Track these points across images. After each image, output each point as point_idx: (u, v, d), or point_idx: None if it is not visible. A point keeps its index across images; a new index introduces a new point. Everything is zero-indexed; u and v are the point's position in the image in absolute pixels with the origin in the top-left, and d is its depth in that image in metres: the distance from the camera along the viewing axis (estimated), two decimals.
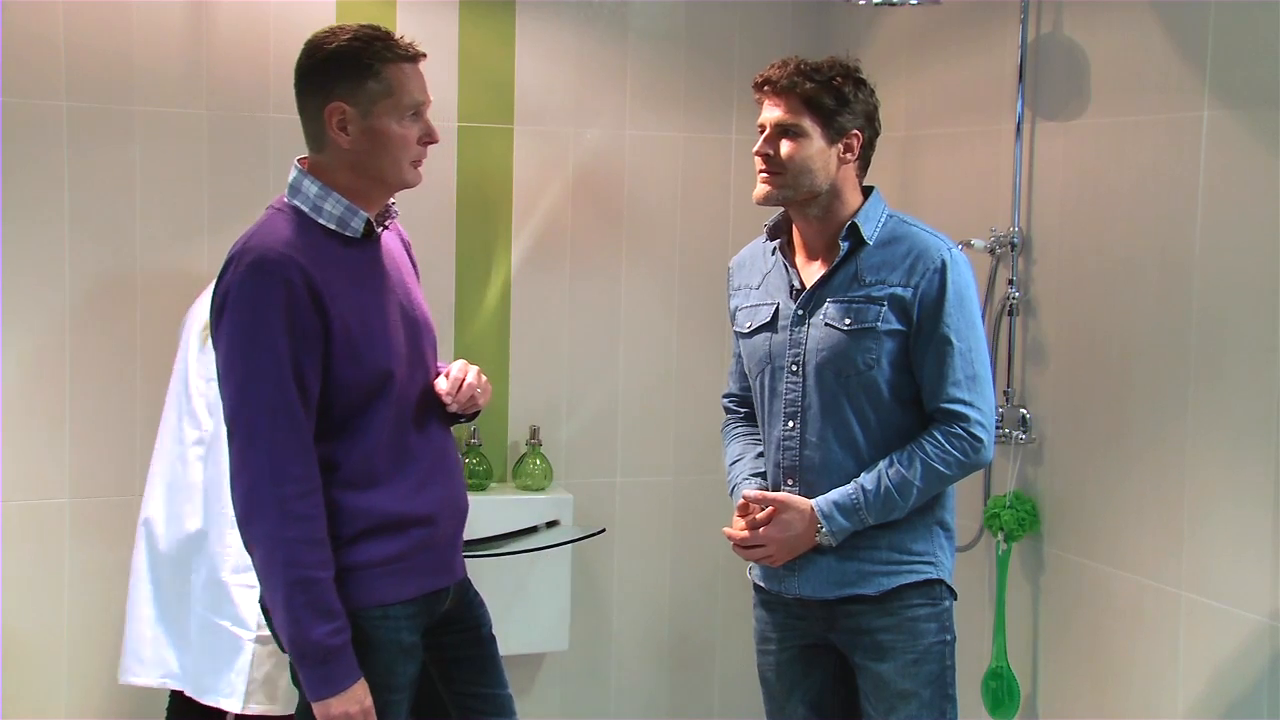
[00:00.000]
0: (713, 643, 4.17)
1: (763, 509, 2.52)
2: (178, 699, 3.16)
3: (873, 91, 2.55)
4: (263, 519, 2.17)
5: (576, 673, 4.02)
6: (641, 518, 4.05)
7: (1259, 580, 2.70)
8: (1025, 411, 3.29)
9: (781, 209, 2.59)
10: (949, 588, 2.56)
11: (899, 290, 2.46)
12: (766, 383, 2.60)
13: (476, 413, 2.48)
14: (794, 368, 2.55)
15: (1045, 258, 3.25)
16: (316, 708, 2.20)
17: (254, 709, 3.00)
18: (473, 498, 2.60)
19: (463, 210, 3.80)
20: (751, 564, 2.63)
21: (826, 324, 2.50)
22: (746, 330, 2.64)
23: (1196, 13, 2.82)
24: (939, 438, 2.46)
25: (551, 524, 3.69)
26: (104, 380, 3.46)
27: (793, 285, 2.57)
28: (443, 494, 2.39)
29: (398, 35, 2.31)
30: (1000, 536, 3.29)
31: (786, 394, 2.56)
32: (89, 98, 3.40)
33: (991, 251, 3.31)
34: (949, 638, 2.54)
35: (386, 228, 2.40)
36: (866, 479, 2.47)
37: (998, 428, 3.29)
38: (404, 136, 2.27)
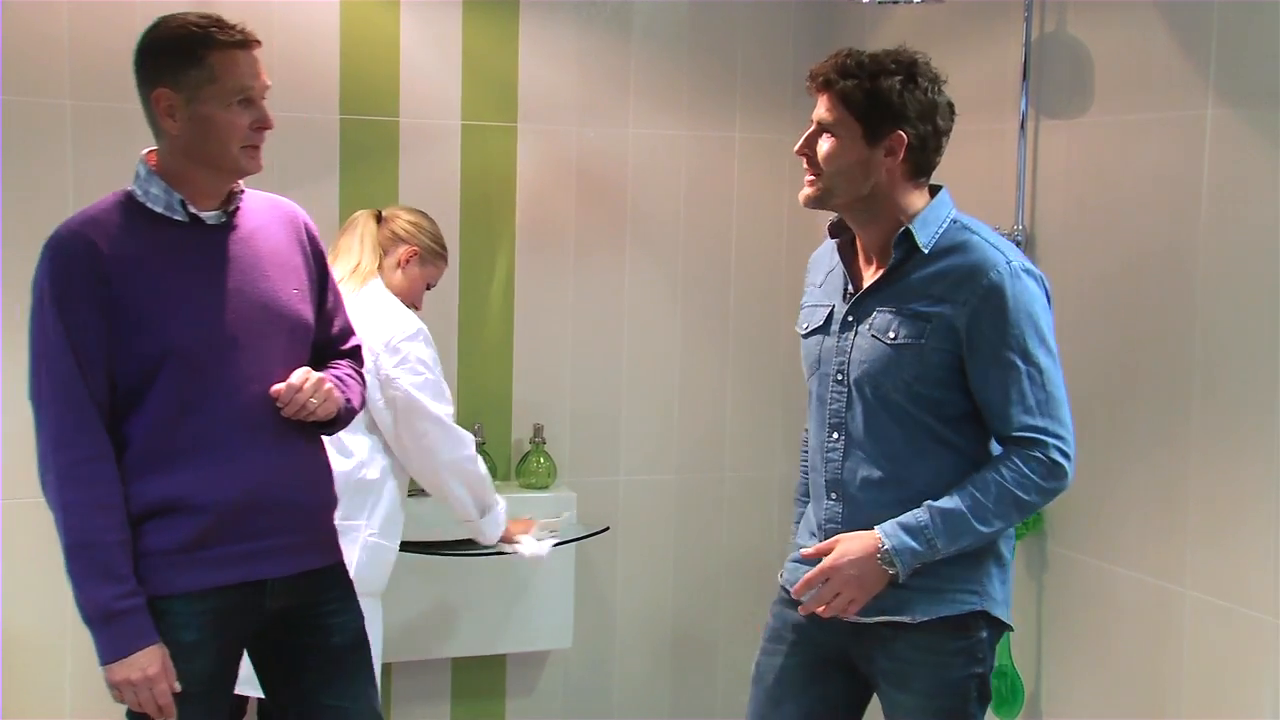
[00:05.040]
0: (715, 641, 4.18)
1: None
2: None
3: (933, 87, 2.32)
4: (48, 485, 2.26)
5: (580, 671, 4.03)
6: (645, 516, 4.06)
7: (1264, 578, 2.70)
8: None
9: None
10: (995, 620, 2.39)
11: (948, 308, 2.27)
12: (815, 389, 2.47)
13: (334, 421, 2.43)
14: (839, 376, 2.39)
15: (1049, 256, 3.25)
16: (104, 672, 2.25)
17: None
18: None
19: (466, 208, 3.80)
20: (783, 568, 2.53)
21: (873, 334, 2.34)
22: (804, 331, 2.50)
23: (1200, 11, 2.82)
24: (1016, 462, 2.27)
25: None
26: None
27: (847, 288, 2.42)
28: (255, 482, 2.33)
29: (236, 22, 2.31)
30: None
31: (831, 403, 2.41)
32: (92, 96, 3.41)
33: None
34: (979, 670, 2.38)
35: (230, 214, 2.37)
36: (935, 501, 2.28)
37: None
38: (230, 123, 2.28)
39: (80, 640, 3.48)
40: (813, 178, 2.34)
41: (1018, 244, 3.27)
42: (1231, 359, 2.78)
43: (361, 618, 2.51)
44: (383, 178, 3.72)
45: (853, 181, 2.31)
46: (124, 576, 2.23)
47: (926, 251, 2.32)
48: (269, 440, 2.34)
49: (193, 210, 2.31)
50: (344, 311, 2.56)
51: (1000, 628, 2.41)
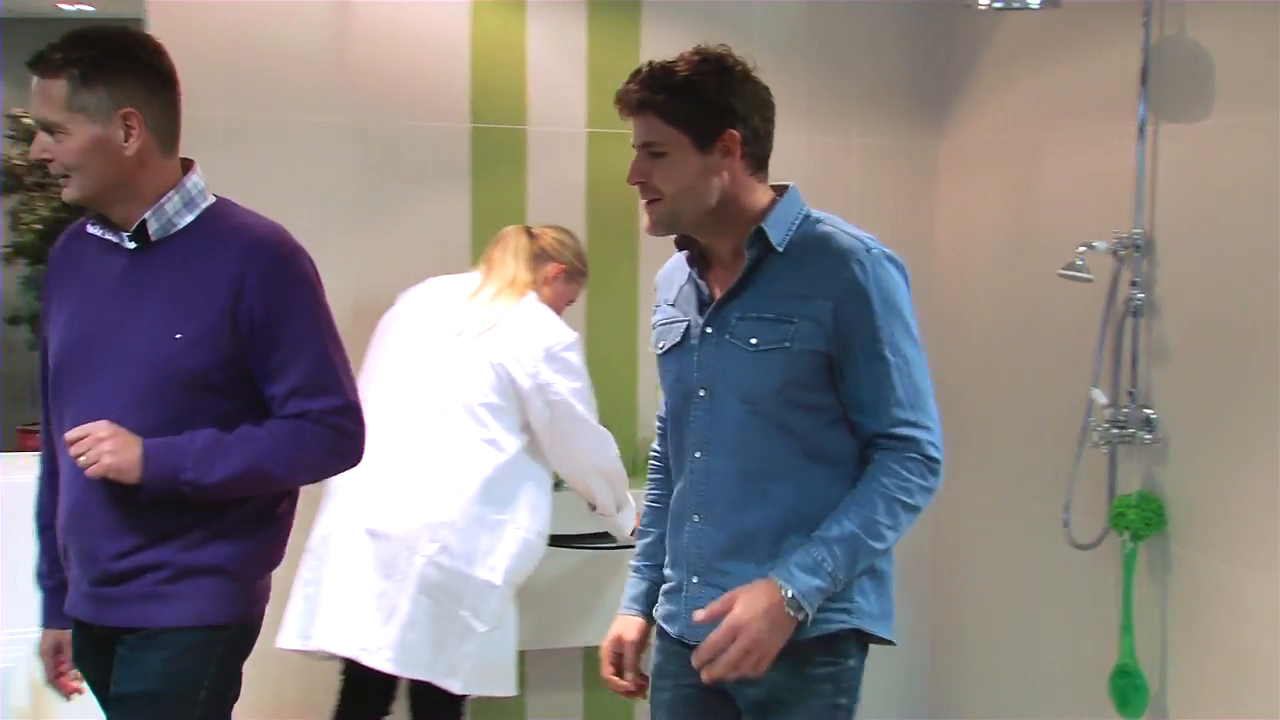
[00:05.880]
0: None
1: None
2: (356, 670, 3.24)
3: (747, 76, 2.19)
4: None
5: None
6: None
7: None
8: (1150, 412, 3.30)
9: None
10: (870, 639, 2.23)
11: (814, 303, 2.13)
12: (675, 407, 2.30)
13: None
14: (703, 391, 2.23)
15: (1168, 259, 3.26)
16: None
17: (476, 691, 3.20)
18: None
19: (592, 214, 3.88)
20: (660, 604, 2.35)
21: (735, 343, 2.19)
22: (660, 350, 2.33)
23: None
24: (894, 467, 2.12)
25: None
26: None
27: (702, 299, 2.26)
28: (66, 516, 2.33)
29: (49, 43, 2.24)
30: (1126, 535, 3.31)
31: (695, 420, 2.24)
32: (240, 108, 3.55)
33: (1114, 253, 3.32)
34: (844, 701, 2.21)
35: (142, 239, 2.28)
36: (824, 530, 2.11)
37: (1122, 427, 3.31)
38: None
39: None
40: (655, 202, 2.19)
41: (1136, 248, 3.30)
42: None
43: (144, 680, 2.28)
44: (511, 185, 3.80)
45: (697, 195, 2.17)
46: (41, 559, 2.48)
47: (781, 250, 2.19)
48: (84, 478, 2.22)
49: (95, 231, 2.33)
50: (302, 373, 2.27)
51: (878, 643, 2.25)
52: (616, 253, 3.91)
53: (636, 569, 2.45)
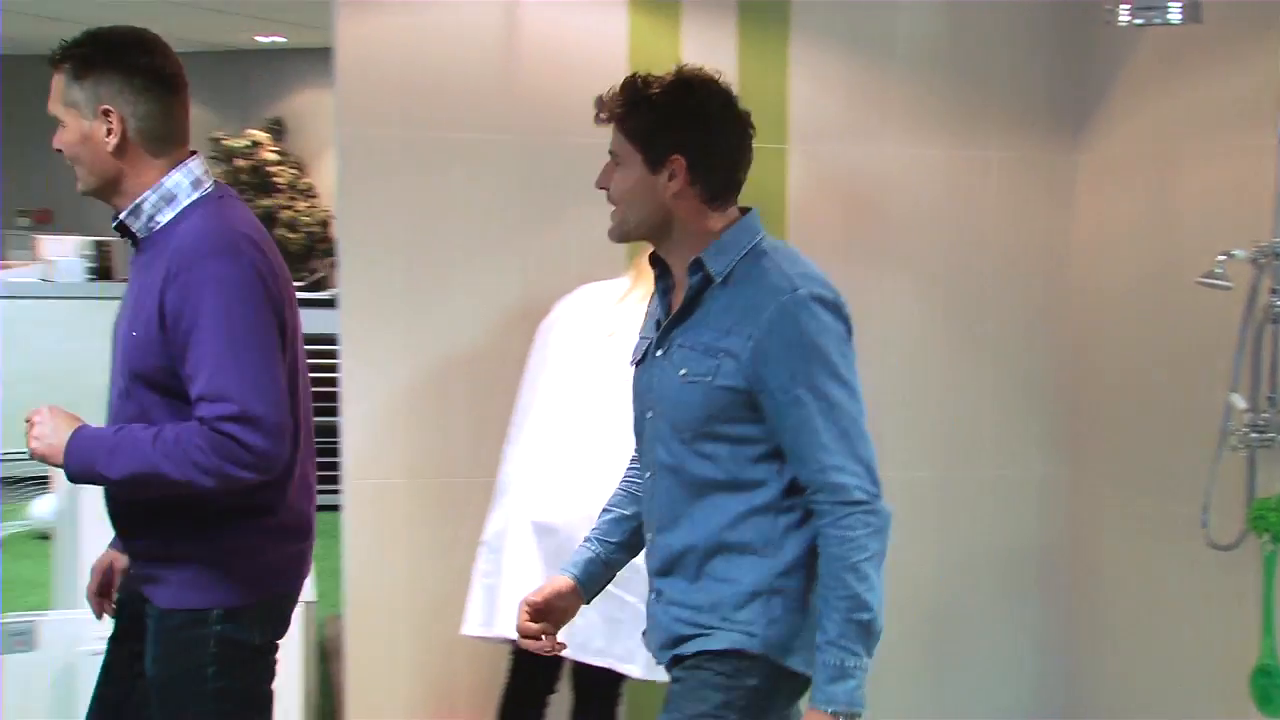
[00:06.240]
0: (972, 635, 4.28)
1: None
2: (524, 652, 3.46)
3: (712, 105, 2.19)
4: None
5: None
6: (905, 511, 4.16)
7: None
8: None
9: None
10: (779, 670, 2.20)
11: (735, 341, 2.12)
12: (638, 423, 2.33)
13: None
14: (649, 413, 2.26)
15: None
16: None
17: (652, 677, 3.30)
18: None
19: None
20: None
21: (670, 369, 2.20)
22: (632, 363, 2.37)
23: None
24: (836, 534, 2.10)
25: None
26: (433, 376, 3.86)
27: (660, 319, 2.29)
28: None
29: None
30: (1266, 537, 3.34)
31: (646, 439, 2.28)
32: (416, 126, 3.76)
33: (1254, 261, 3.35)
34: (734, 717, 2.18)
35: (135, 238, 2.38)
36: (822, 636, 2.11)
37: (1262, 431, 3.35)
38: None
39: (419, 603, 3.85)
40: (614, 209, 2.25)
41: (1276, 256, 3.32)
42: None
43: (153, 666, 2.45)
44: None
45: (642, 210, 2.20)
46: None
47: (718, 280, 2.17)
48: None
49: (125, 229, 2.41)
50: (205, 377, 2.24)
51: (789, 678, 2.21)
52: None
53: (588, 539, 2.49)
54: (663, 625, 2.28)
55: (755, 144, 4.04)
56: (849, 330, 2.19)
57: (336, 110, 3.76)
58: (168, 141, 2.36)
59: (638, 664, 3.30)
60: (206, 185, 2.39)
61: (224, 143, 8.73)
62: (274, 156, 9.01)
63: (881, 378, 4.12)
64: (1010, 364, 4.24)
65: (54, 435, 2.25)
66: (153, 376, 2.30)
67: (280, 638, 2.52)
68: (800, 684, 2.24)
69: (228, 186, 2.49)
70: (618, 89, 2.20)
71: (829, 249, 4.03)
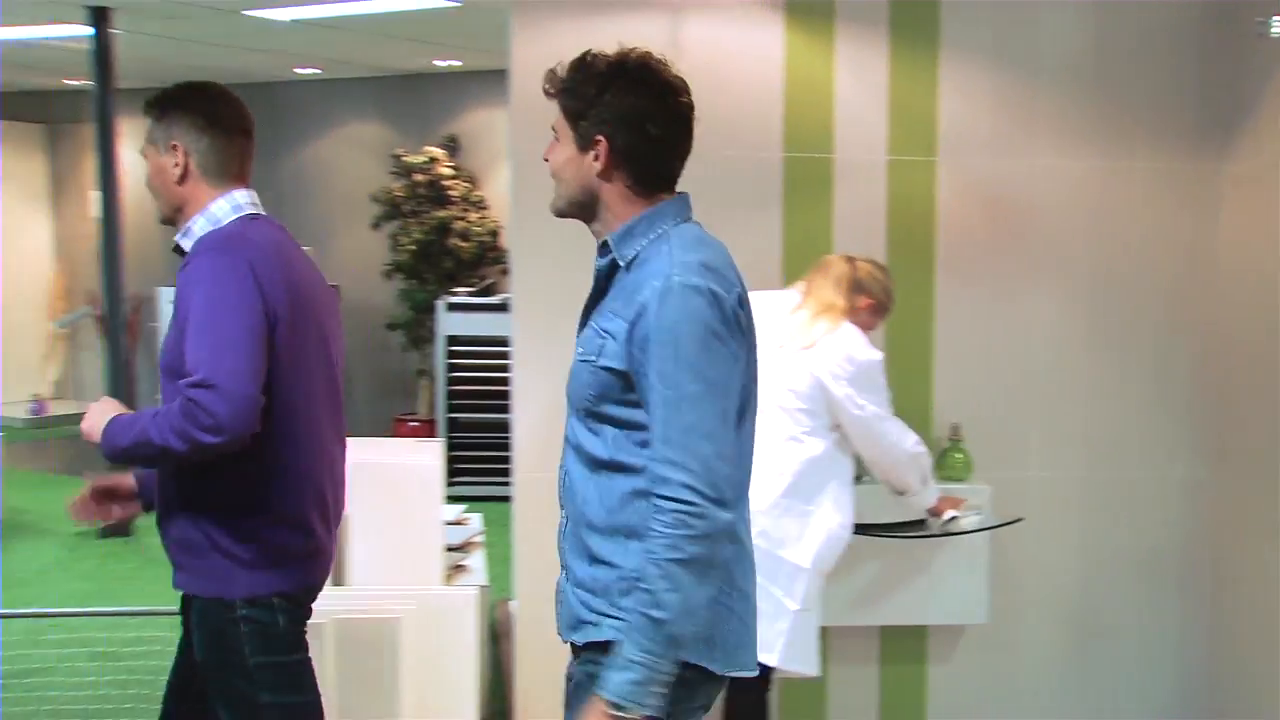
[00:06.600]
0: (1118, 633, 4.34)
1: None
2: None
3: (644, 90, 2.16)
4: None
5: (993, 646, 4.28)
6: (1052, 510, 4.26)
7: None
8: None
9: None
10: (691, 667, 2.11)
11: (617, 324, 2.12)
12: None
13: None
14: (568, 392, 2.26)
15: None
16: None
17: (788, 669, 3.57)
18: None
19: (892, 236, 4.14)
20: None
21: (577, 348, 2.23)
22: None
23: None
24: (655, 528, 2.03)
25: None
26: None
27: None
28: None
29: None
30: None
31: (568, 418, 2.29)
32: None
33: None
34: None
35: (181, 254, 2.66)
36: (622, 624, 2.09)
37: None
38: None
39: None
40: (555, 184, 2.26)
41: None
42: None
43: (199, 651, 2.67)
44: (819, 210, 4.11)
45: (571, 188, 2.21)
46: None
47: (624, 265, 2.18)
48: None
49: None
50: (188, 355, 2.48)
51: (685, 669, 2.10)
52: (914, 272, 4.14)
53: None
54: (570, 605, 2.25)
55: (906, 157, 4.26)
56: (731, 323, 2.10)
57: (510, 127, 4.00)
58: (223, 175, 2.68)
59: (774, 653, 3.51)
60: (246, 209, 2.69)
61: (404, 159, 9.45)
62: (449, 171, 9.46)
63: (1026, 381, 4.28)
64: (1152, 368, 4.30)
65: (98, 418, 2.55)
66: (171, 367, 2.57)
67: (304, 621, 2.73)
68: (702, 675, 2.16)
69: (267, 215, 2.75)
70: (565, 64, 2.21)
71: (976, 258, 4.22)
